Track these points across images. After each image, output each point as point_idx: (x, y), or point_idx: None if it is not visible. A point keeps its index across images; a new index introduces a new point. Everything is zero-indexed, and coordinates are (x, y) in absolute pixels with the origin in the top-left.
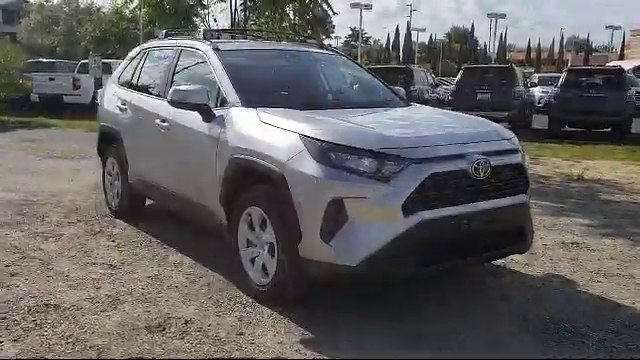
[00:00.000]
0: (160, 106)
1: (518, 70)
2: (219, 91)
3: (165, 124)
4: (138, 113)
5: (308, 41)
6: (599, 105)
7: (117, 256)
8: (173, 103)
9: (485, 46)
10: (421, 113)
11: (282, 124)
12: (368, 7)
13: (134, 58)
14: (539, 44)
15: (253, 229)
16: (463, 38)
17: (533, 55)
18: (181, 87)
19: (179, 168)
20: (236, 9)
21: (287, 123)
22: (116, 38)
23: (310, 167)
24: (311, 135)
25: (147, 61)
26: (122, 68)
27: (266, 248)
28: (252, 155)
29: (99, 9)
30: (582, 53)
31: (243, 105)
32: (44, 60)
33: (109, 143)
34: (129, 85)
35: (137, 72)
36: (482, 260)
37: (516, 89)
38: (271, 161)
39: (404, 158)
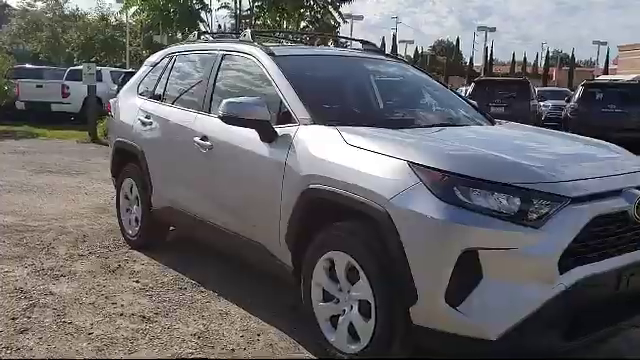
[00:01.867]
0: (199, 121)
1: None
2: (280, 105)
3: (206, 143)
4: (167, 128)
5: (364, 46)
6: (620, 121)
7: (147, 304)
8: (226, 119)
9: (470, 59)
10: (525, 132)
11: (380, 148)
12: (359, 18)
13: (157, 64)
14: (525, 58)
15: (335, 279)
16: (448, 51)
17: (517, 69)
18: (236, 100)
19: (225, 196)
20: (240, 15)
21: (387, 147)
22: (101, 45)
23: (429, 206)
24: (426, 164)
25: (176, 68)
26: (141, 75)
27: (356, 306)
28: (338, 186)
29: (85, 15)
30: (566, 68)
31: (315, 122)
32: (31, 66)
33: (127, 162)
34: (152, 95)
35: (163, 80)
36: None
37: (531, 103)
38: (369, 196)
39: (559, 196)
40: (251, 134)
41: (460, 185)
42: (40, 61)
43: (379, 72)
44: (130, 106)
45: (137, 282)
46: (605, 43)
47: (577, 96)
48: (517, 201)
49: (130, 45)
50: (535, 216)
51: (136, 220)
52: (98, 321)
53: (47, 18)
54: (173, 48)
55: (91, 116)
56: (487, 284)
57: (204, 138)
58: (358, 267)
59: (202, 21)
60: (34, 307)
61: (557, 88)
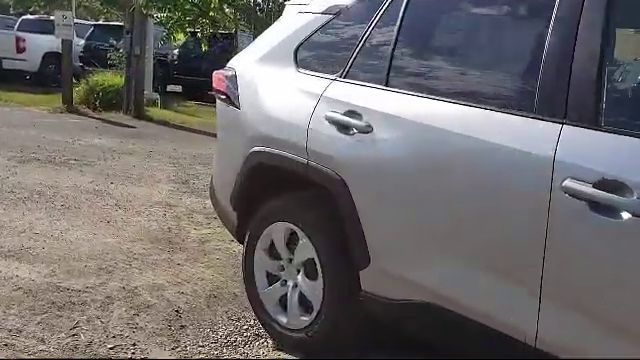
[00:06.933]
0: (582, 147)
1: None
2: None
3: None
4: (437, 150)
5: None
6: None
7: None
8: None
9: None
10: None
11: None
12: None
13: (338, 13)
14: None
15: None
16: None
17: None
18: None
19: None
20: None
21: None
22: None
23: None
24: None
25: (419, 16)
26: (299, 32)
27: None
28: None
29: None
30: None
31: None
32: None
33: (280, 191)
34: (346, 73)
35: (379, 43)
36: None
37: None
38: None
39: None
40: None
41: None
42: None
43: None
44: (289, 89)
45: None
46: None
47: None
48: None
49: None
50: None
51: (301, 301)
52: None
53: None
54: None
55: (67, 78)
56: None
57: (616, 188)
58: None
59: None
60: None
61: None
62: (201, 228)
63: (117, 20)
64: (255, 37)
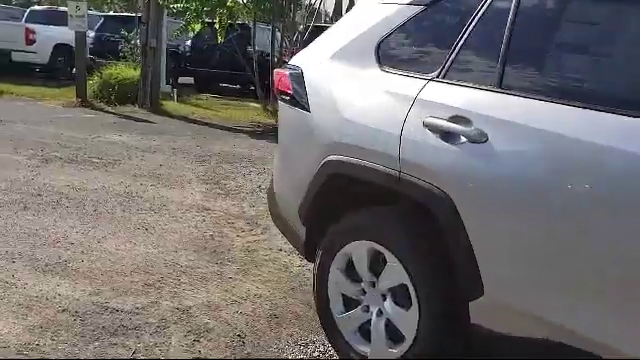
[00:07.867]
0: None
1: None
2: None
3: None
4: (562, 162)
5: None
6: None
7: None
8: None
9: None
10: None
11: None
12: None
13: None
14: None
15: None
16: None
17: None
18: None
19: None
20: None
21: None
22: None
23: None
24: None
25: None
26: (379, 26)
27: None
28: None
29: None
30: None
31: None
32: None
33: (359, 206)
34: (444, 72)
35: (494, 33)
36: None
37: None
38: None
39: None
40: None
41: None
42: None
43: None
44: (372, 90)
45: None
46: None
47: None
48: None
49: None
50: None
51: (388, 329)
52: None
53: None
54: None
55: (81, 72)
56: None
57: None
58: None
59: None
60: None
61: None
62: (244, 235)
63: (120, 11)
64: (273, 29)
